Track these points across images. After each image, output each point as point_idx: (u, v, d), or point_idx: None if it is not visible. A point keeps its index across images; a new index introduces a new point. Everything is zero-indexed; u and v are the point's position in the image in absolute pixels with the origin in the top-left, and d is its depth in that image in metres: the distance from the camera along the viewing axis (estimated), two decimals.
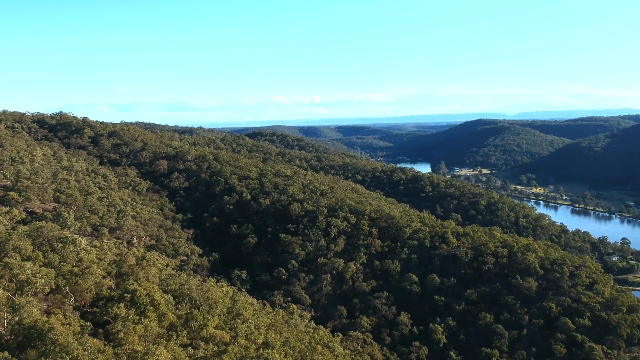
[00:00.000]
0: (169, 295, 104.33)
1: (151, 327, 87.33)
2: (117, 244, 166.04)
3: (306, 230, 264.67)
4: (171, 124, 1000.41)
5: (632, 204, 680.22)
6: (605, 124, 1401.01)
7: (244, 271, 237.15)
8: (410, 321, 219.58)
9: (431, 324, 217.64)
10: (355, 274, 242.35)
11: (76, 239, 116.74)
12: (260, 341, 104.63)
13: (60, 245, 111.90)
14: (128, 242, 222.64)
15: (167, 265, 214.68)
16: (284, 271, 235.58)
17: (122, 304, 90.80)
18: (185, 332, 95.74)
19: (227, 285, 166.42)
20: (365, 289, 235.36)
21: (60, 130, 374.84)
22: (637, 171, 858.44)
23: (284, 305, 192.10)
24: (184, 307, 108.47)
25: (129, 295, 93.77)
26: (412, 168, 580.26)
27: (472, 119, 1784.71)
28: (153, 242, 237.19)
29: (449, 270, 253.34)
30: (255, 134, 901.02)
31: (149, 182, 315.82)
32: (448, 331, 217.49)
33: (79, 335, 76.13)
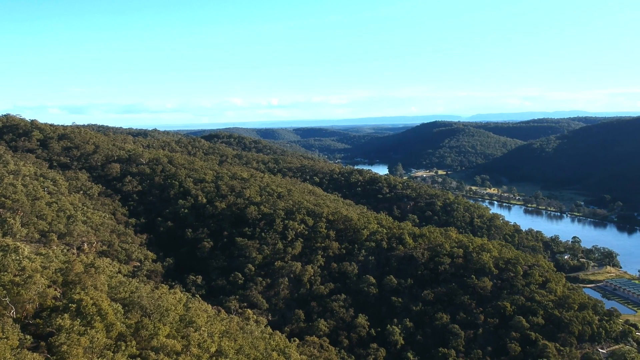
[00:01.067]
0: (118, 304, 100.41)
1: (98, 339, 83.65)
2: (65, 250, 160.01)
3: (263, 234, 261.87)
4: (125, 126, 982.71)
5: (582, 203, 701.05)
6: (556, 125, 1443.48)
7: (199, 276, 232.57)
8: (368, 323, 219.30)
9: (388, 326, 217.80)
10: (312, 277, 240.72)
11: (18, 246, 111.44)
12: (213, 349, 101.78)
13: (0, 253, 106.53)
14: (78, 248, 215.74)
15: (119, 272, 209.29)
16: (240, 275, 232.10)
17: (66, 315, 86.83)
18: (134, 342, 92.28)
19: (181, 292, 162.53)
20: (323, 291, 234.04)
21: (6, 132, 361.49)
22: (586, 171, 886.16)
23: (240, 310, 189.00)
24: (134, 316, 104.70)
25: (74, 305, 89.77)
26: (369, 170, 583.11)
27: (429, 121, 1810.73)
28: (105, 247, 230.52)
29: (406, 271, 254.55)
30: (211, 136, 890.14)
31: (100, 186, 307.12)
32: (405, 332, 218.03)
33: (18, 349, 72.09)
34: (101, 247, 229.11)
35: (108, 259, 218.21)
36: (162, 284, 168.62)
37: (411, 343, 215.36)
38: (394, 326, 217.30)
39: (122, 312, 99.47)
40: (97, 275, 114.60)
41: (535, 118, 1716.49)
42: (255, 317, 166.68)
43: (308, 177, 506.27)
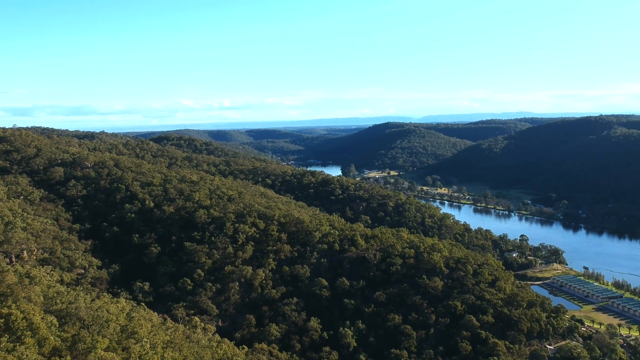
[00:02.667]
0: (53, 317, 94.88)
1: (27, 355, 78.36)
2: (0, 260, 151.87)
3: (213, 238, 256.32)
4: (72, 128, 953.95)
5: (529, 202, 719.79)
6: (504, 126, 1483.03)
7: (147, 283, 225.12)
8: (320, 326, 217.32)
9: (341, 328, 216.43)
10: (264, 281, 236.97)
11: None
12: None
13: None
14: (17, 257, 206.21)
15: (61, 281, 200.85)
16: (189, 281, 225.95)
17: None
18: (69, 357, 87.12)
19: (127, 300, 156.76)
20: (275, 295, 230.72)
21: None
22: (533, 170, 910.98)
23: (187, 318, 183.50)
24: (71, 329, 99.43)
25: (2, 320, 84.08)
26: (322, 171, 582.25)
27: (381, 122, 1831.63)
28: (46, 255, 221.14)
29: (358, 273, 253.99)
30: (161, 138, 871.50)
31: (42, 191, 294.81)
32: (358, 334, 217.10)
33: None
34: (42, 254, 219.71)
35: (49, 266, 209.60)
36: (105, 293, 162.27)
37: (364, 345, 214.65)
38: (346, 329, 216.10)
39: (57, 325, 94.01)
40: (31, 286, 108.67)
41: (484, 119, 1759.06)
42: (203, 324, 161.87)
43: (260, 179, 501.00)
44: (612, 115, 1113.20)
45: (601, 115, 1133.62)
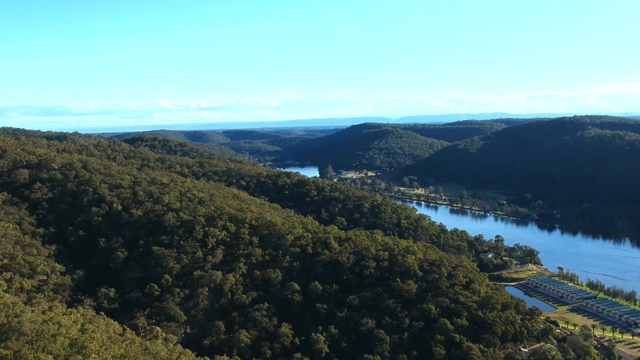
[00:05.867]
0: None
1: None
2: None
3: (182, 242, 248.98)
4: (46, 129, 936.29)
5: (505, 202, 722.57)
6: (480, 127, 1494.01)
7: (112, 289, 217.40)
8: (292, 332, 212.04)
9: (313, 334, 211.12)
10: (234, 286, 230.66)
11: None
12: None
13: None
14: None
15: (21, 288, 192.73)
16: (156, 287, 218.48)
17: None
18: None
19: (85, 309, 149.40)
20: (245, 301, 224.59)
21: None
22: (508, 171, 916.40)
23: (148, 328, 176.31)
24: (15, 345, 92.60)
25: None
26: (297, 172, 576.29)
27: (358, 123, 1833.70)
28: (6, 261, 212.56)
29: (331, 277, 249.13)
30: (135, 139, 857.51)
31: (6, 194, 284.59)
32: (330, 340, 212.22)
33: None
34: (2, 260, 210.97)
35: (9, 273, 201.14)
36: (59, 303, 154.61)
37: (336, 350, 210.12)
38: (318, 334, 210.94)
39: None
40: None
41: (460, 120, 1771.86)
42: (164, 334, 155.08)
43: (234, 181, 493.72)
44: (586, 116, 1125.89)
45: (575, 116, 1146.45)
